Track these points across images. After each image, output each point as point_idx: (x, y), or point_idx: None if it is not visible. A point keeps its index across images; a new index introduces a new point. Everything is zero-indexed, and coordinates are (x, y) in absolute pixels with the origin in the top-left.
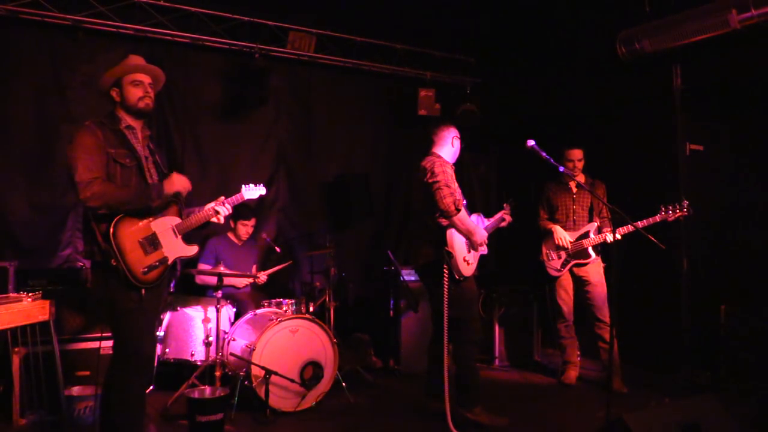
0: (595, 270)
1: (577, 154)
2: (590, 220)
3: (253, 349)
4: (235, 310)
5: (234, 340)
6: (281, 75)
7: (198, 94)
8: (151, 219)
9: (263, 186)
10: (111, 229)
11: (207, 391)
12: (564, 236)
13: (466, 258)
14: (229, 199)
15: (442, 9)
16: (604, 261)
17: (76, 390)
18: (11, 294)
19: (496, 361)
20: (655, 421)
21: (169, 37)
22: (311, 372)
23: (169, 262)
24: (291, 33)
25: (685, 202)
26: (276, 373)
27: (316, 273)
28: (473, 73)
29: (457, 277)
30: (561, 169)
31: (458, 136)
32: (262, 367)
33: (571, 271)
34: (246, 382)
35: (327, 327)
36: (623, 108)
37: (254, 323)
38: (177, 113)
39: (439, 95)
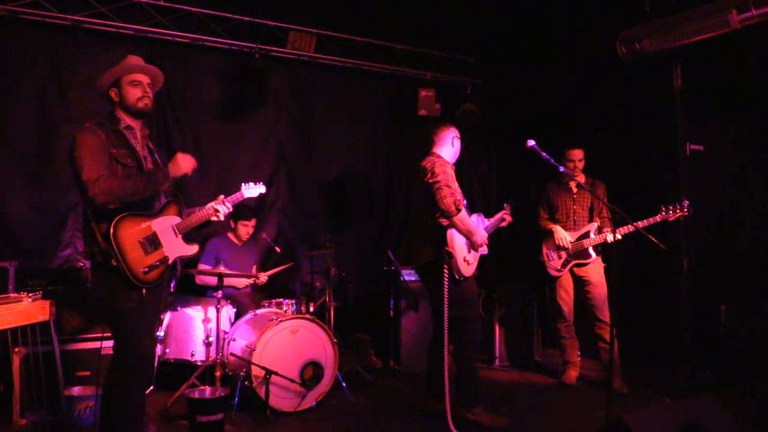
0: (595, 270)
1: (577, 154)
2: (590, 220)
3: (254, 349)
4: (235, 310)
5: (234, 340)
6: (281, 75)
7: (198, 94)
8: (151, 219)
9: (263, 184)
10: (111, 229)
11: (207, 391)
12: (564, 236)
13: (466, 258)
14: (229, 197)
15: (442, 9)
16: (604, 261)
17: (76, 390)
18: (11, 294)
19: (497, 361)
20: (655, 421)
21: (169, 37)
22: (311, 372)
23: (170, 261)
24: (291, 33)
25: (686, 202)
26: (276, 373)
27: (316, 273)
28: (473, 73)
29: (457, 277)
30: (561, 169)
31: (458, 136)
32: (263, 367)
33: (571, 271)
34: (246, 382)
35: (327, 327)
36: (623, 108)
37: (254, 323)
38: (177, 113)
39: (439, 95)
